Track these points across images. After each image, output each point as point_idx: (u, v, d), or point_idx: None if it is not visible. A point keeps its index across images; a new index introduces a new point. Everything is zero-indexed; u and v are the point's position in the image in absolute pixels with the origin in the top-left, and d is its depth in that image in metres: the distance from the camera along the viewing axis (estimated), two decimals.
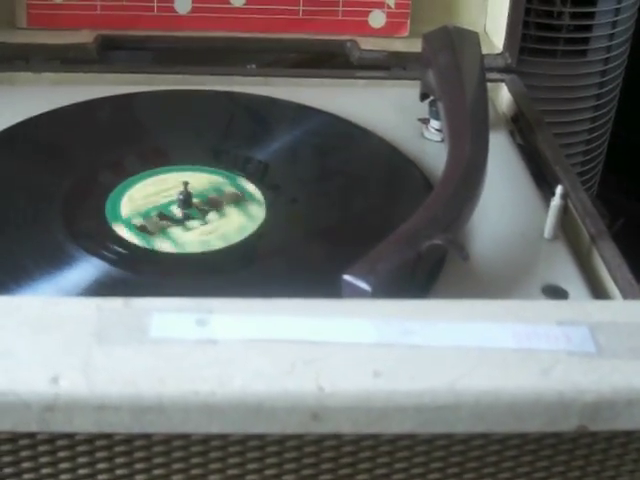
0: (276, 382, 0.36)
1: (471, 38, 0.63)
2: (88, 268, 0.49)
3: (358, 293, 0.46)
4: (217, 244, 0.51)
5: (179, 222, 0.53)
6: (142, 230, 0.52)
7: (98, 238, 0.51)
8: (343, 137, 0.63)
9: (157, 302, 0.39)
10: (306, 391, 0.36)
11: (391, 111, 0.66)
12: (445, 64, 0.60)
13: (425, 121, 0.63)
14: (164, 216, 0.53)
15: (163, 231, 0.52)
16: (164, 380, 0.36)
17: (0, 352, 0.37)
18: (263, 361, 0.37)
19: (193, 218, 0.53)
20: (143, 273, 0.50)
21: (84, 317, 0.38)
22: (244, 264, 0.51)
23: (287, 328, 0.39)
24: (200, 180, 0.56)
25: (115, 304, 0.39)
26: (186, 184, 0.54)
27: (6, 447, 0.38)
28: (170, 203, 0.54)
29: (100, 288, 0.48)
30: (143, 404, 0.36)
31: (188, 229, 0.52)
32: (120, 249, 0.51)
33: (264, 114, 0.65)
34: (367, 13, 0.71)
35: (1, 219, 0.53)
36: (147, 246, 0.51)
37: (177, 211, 0.54)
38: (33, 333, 0.38)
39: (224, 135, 0.63)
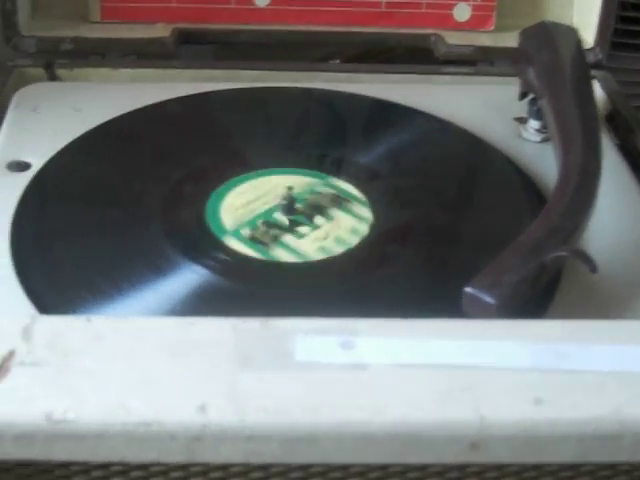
0: (434, 410, 0.34)
1: (570, 34, 0.61)
2: (207, 285, 0.47)
3: (481, 307, 0.44)
4: (336, 249, 0.49)
5: (288, 229, 0.50)
6: (254, 241, 0.50)
7: (211, 253, 0.49)
8: (435, 135, 0.61)
9: (296, 323, 0.37)
10: (466, 420, 0.34)
11: (480, 109, 0.64)
12: (547, 61, 0.58)
13: (522, 120, 0.61)
14: (271, 224, 0.51)
15: (276, 240, 0.50)
16: (318, 409, 0.34)
17: (140, 379, 0.34)
18: (417, 388, 0.35)
19: (301, 224, 0.51)
20: (267, 286, 0.48)
21: (221, 339, 0.36)
22: (367, 269, 0.49)
23: (437, 352, 0.36)
24: (295, 183, 0.54)
25: (252, 325, 0.37)
26: (290, 189, 0.52)
27: (138, 473, 0.36)
28: (273, 209, 0.52)
29: (225, 305, 0.46)
30: (296, 434, 0.34)
31: (300, 236, 0.50)
32: (237, 262, 0.49)
33: (349, 111, 0.63)
34: (451, 6, 0.68)
35: (95, 224, 0.51)
36: (265, 257, 0.48)
37: (283, 218, 0.51)
38: (171, 357, 0.35)
39: (310, 134, 0.60)
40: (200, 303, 0.46)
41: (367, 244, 0.50)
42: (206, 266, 0.48)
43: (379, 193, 0.53)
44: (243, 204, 0.52)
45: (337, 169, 0.55)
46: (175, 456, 0.34)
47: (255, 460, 0.35)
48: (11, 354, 0.35)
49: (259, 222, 0.51)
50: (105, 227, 0.50)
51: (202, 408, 0.33)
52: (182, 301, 0.46)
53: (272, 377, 0.35)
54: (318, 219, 0.51)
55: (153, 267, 0.48)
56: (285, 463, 0.35)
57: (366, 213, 0.52)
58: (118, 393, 0.34)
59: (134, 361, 0.35)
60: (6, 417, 0.33)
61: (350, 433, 0.34)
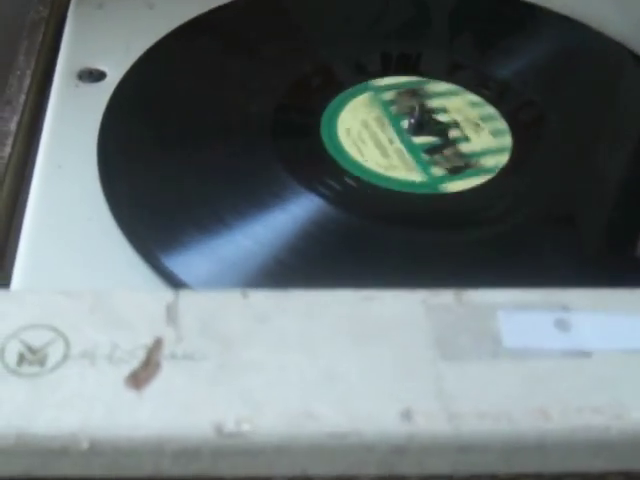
0: None
1: None
2: (316, 212, 0.40)
3: None
4: (470, 180, 0.42)
5: (417, 151, 0.43)
6: (376, 162, 0.42)
7: (324, 176, 0.42)
8: (580, 46, 0.52)
9: (495, 296, 0.30)
10: None
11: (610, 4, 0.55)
12: None
13: None
14: (398, 143, 0.43)
15: (402, 161, 0.42)
16: (546, 412, 0.27)
17: (324, 375, 0.28)
18: None
19: (431, 146, 0.43)
20: (388, 218, 0.41)
21: (412, 320, 0.30)
22: (507, 207, 0.42)
23: None
24: (426, 96, 0.46)
25: (445, 299, 0.30)
26: (421, 103, 0.44)
27: None
28: (400, 125, 0.44)
29: (337, 239, 0.39)
30: (520, 443, 0.28)
31: (429, 160, 0.43)
32: (356, 187, 0.42)
33: (473, 11, 0.54)
34: None
35: (194, 145, 0.43)
36: (387, 184, 0.41)
37: (411, 136, 0.44)
38: (356, 345, 0.29)
39: (433, 36, 0.52)
40: (319, 239, 0.40)
41: (506, 176, 0.43)
42: (326, 195, 0.41)
43: (518, 115, 0.46)
44: (364, 116, 0.45)
45: (469, 81, 0.47)
46: (368, 469, 0.28)
47: (462, 471, 0.28)
48: (158, 343, 0.28)
49: (385, 138, 0.44)
50: (205, 149, 0.43)
51: (407, 414, 0.27)
52: (297, 236, 0.39)
53: (481, 370, 0.28)
54: (451, 142, 0.44)
55: (265, 195, 0.41)
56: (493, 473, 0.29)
57: (505, 141, 0.44)
58: (301, 396, 0.27)
59: (312, 351, 0.28)
60: (164, 429, 0.26)
61: (583, 441, 0.28)
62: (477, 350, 0.29)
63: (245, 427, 0.26)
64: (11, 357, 0.27)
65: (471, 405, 0.27)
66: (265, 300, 0.30)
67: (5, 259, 0.40)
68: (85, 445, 0.26)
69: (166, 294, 0.29)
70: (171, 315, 0.29)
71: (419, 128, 0.44)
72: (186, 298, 0.29)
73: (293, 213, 0.41)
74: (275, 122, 0.44)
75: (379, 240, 0.40)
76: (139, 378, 0.27)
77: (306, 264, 0.39)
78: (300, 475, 0.28)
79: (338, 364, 0.28)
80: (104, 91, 0.45)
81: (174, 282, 0.37)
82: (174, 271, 0.38)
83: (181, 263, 0.38)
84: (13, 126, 0.42)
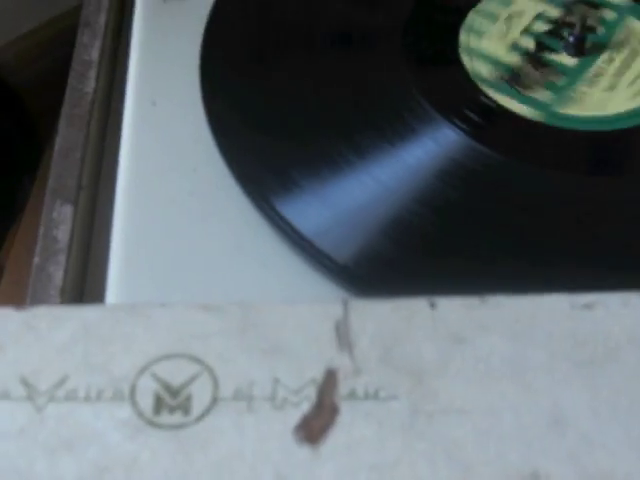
0: None
1: None
2: (461, 150, 0.33)
3: None
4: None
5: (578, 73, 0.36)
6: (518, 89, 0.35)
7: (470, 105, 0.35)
8: None
9: None
10: None
11: None
12: None
13: None
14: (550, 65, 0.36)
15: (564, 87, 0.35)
16: None
17: (550, 419, 0.21)
18: None
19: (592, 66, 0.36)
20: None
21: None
22: None
23: None
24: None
25: None
26: (584, 17, 0.36)
27: None
28: (554, 43, 0.37)
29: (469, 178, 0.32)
30: None
31: (592, 81, 0.35)
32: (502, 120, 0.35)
33: None
34: None
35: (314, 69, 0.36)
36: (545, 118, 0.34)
37: (567, 59, 0.36)
38: (580, 372, 0.22)
39: None
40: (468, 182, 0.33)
41: None
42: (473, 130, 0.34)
43: None
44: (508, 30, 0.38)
45: None
46: None
47: None
48: (332, 378, 0.22)
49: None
50: (326, 72, 0.36)
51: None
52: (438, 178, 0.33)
53: None
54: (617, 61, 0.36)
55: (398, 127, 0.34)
56: None
57: None
58: (522, 450, 0.21)
59: (527, 384, 0.22)
60: None
61: None
62: None
63: None
64: (146, 401, 0.21)
65: None
66: (459, 312, 0.23)
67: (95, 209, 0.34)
68: None
69: (333, 307, 0.23)
70: (342, 336, 0.22)
71: (577, 47, 0.36)
72: (359, 311, 0.23)
73: (430, 150, 0.34)
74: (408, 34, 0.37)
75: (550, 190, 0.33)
76: (313, 428, 0.21)
77: (449, 217, 0.32)
78: None
79: (563, 402, 0.22)
80: (196, 6, 0.38)
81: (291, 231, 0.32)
82: (289, 218, 0.32)
83: (297, 210, 0.32)
84: (95, 54, 0.35)
